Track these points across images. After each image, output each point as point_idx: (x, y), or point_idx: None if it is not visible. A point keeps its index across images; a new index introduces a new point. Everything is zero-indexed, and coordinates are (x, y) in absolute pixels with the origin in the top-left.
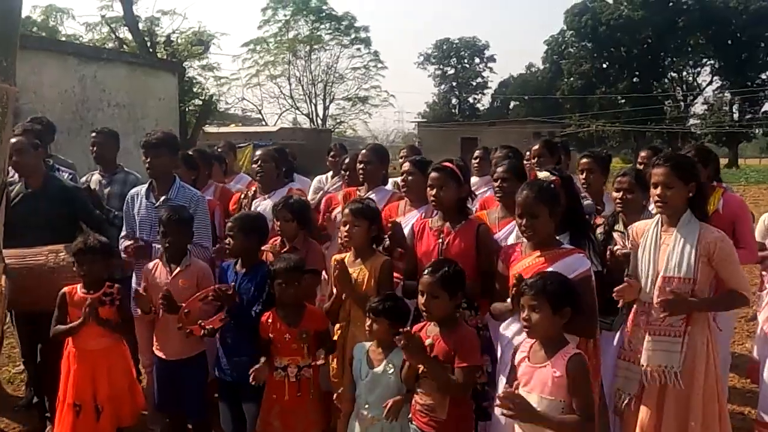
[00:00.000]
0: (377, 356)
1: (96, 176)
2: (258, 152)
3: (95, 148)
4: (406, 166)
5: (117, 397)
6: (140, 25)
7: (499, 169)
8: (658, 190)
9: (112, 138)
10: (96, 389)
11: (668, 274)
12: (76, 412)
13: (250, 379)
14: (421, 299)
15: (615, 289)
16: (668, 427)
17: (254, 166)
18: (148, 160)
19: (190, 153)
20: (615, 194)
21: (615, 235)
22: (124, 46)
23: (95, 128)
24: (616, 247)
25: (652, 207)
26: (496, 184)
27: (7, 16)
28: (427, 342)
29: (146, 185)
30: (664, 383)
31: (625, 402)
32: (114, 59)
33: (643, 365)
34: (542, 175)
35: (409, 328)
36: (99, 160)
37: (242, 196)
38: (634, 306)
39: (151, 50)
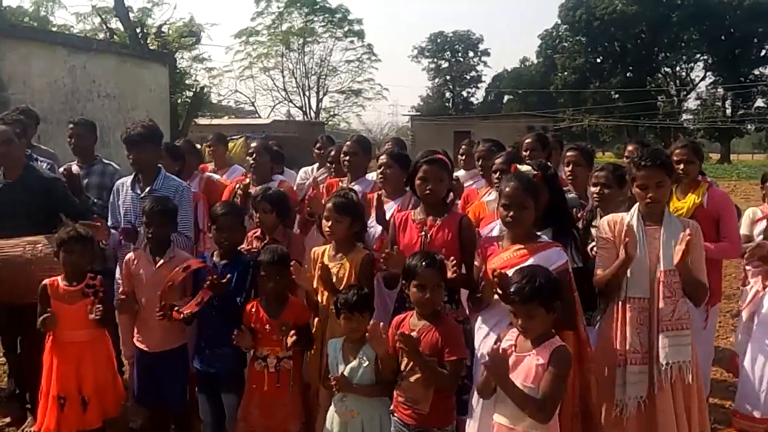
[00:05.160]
0: (352, 351)
1: (74, 167)
2: (253, 144)
3: (73, 140)
4: (383, 158)
5: (102, 389)
6: (131, 16)
7: (498, 160)
8: (651, 192)
9: (90, 129)
10: (81, 381)
11: (670, 267)
12: (60, 404)
13: (234, 341)
14: (423, 293)
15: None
16: (682, 423)
17: (249, 158)
18: (131, 156)
19: (176, 144)
20: (593, 189)
21: (593, 230)
22: (115, 37)
23: (72, 119)
24: (591, 245)
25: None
26: (495, 175)
27: None
28: (412, 335)
29: (132, 176)
30: (675, 380)
31: (632, 406)
32: (104, 50)
33: (662, 364)
34: (524, 168)
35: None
36: (77, 152)
37: (237, 187)
38: (625, 305)
39: (142, 41)
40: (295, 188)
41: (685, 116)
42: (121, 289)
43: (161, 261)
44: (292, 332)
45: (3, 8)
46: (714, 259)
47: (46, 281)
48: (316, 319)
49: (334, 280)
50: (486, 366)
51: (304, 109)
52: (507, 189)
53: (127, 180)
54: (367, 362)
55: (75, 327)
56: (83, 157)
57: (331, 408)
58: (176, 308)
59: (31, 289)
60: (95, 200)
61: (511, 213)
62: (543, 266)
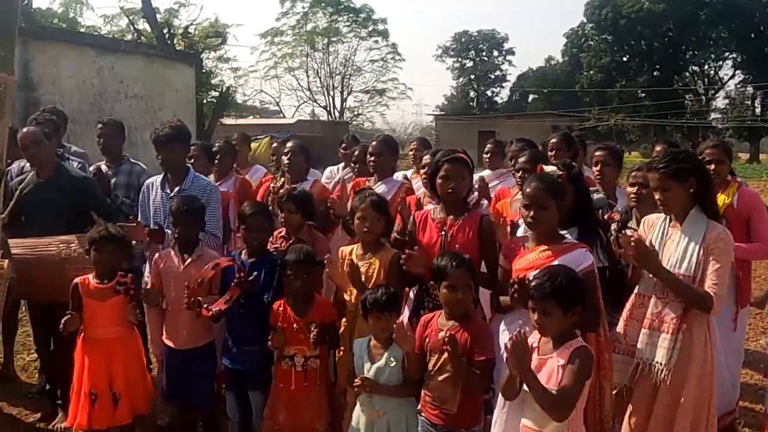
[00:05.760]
0: (378, 350)
1: (102, 167)
2: (288, 144)
3: (101, 140)
4: (428, 158)
5: (132, 385)
6: (158, 17)
7: (521, 159)
8: (657, 195)
9: (118, 129)
10: (112, 378)
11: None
12: (91, 400)
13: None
14: (454, 294)
15: (625, 234)
16: (656, 423)
17: (283, 158)
18: (160, 156)
19: (211, 144)
20: (630, 189)
21: (628, 231)
22: (142, 38)
23: (101, 119)
24: (628, 231)
25: None
26: (518, 174)
27: (5, 7)
28: (440, 335)
29: (161, 176)
30: (655, 379)
31: (616, 391)
32: (131, 51)
33: (637, 358)
34: (549, 169)
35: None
36: (105, 151)
37: (270, 187)
38: (632, 298)
39: (168, 42)
40: None
41: (713, 115)
42: (149, 286)
43: (189, 259)
44: (314, 326)
45: (32, 10)
46: (743, 260)
47: (77, 279)
48: (344, 318)
49: (362, 279)
50: (507, 352)
51: (328, 109)
52: (528, 189)
53: (157, 180)
54: (393, 362)
55: (106, 324)
56: (111, 157)
57: (357, 407)
58: (205, 305)
59: (65, 287)
60: (124, 198)
61: (532, 213)
62: (568, 267)
